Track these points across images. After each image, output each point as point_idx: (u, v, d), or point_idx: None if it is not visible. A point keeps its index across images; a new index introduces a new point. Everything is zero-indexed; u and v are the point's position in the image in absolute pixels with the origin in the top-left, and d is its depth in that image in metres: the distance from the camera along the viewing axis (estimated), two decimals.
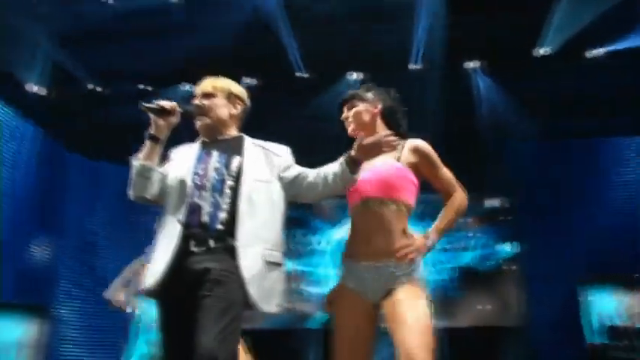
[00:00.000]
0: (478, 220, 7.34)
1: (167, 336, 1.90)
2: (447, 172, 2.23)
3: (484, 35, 5.63)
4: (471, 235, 7.28)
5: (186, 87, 6.08)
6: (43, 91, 6.04)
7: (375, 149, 2.00)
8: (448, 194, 2.20)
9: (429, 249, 2.11)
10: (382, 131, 2.20)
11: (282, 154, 2.18)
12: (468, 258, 7.15)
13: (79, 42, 5.50)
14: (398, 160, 2.19)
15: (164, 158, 2.15)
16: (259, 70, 6.16)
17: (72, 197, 6.51)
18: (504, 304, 6.93)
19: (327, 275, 6.97)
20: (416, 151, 2.19)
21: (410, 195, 2.17)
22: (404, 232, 2.11)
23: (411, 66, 6.05)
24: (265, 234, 1.98)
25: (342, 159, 2.04)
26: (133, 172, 2.02)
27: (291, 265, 7.11)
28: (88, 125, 6.32)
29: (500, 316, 6.88)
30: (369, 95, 2.31)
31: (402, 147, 2.23)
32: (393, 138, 2.02)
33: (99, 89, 6.34)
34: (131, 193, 2.04)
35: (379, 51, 5.64)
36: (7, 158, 5.96)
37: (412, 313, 1.94)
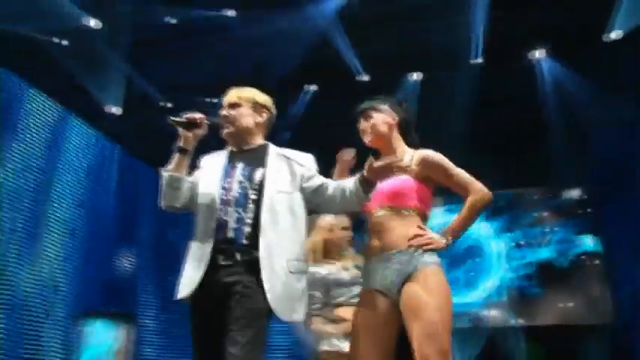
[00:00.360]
0: (555, 214, 7.05)
1: (199, 345, 1.98)
2: (460, 175, 2.24)
3: (547, 23, 5.42)
4: (547, 229, 7.01)
5: None
6: (119, 111, 6.44)
7: (386, 172, 2.04)
8: (466, 196, 2.23)
9: (445, 248, 2.12)
10: (397, 142, 2.30)
11: (305, 163, 2.21)
12: (545, 253, 6.88)
13: (148, 61, 5.82)
14: (406, 172, 2.23)
15: (194, 166, 2.24)
16: (319, 77, 6.25)
17: (151, 209, 6.86)
18: (588, 301, 6.58)
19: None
20: (424, 162, 2.24)
21: (419, 201, 2.20)
22: (419, 227, 2.15)
23: (473, 61, 5.91)
24: (287, 244, 2.02)
25: (356, 178, 2.08)
26: (163, 182, 2.10)
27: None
28: (162, 140, 6.63)
29: (584, 314, 6.54)
30: (386, 107, 2.35)
31: (412, 158, 2.27)
32: (401, 161, 2.09)
33: (169, 105, 6.67)
34: (162, 203, 2.13)
35: (437, 49, 5.56)
36: (90, 175, 6.41)
37: (424, 312, 1.95)
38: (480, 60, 5.85)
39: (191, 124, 2.09)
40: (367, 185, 2.04)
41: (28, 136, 5.93)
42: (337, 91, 6.09)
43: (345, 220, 3.03)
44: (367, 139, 2.36)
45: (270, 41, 5.60)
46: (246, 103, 2.24)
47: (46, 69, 5.69)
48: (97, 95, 6.22)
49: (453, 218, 2.20)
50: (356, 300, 2.34)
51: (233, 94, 2.26)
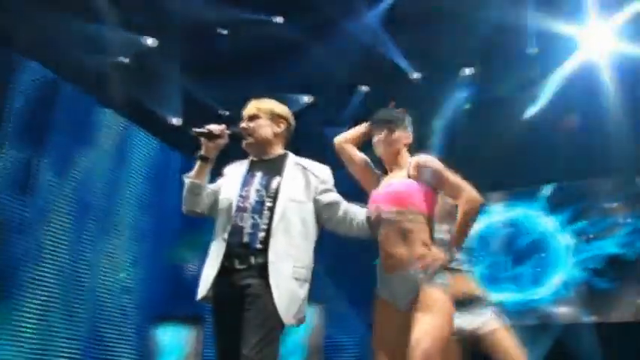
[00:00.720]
0: (626, 205, 6.73)
1: (219, 343, 2.11)
2: (451, 180, 2.29)
3: None
4: (618, 221, 6.70)
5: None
6: (179, 122, 6.72)
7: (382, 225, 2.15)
8: (455, 201, 2.31)
9: (449, 262, 2.20)
10: (405, 158, 2.37)
11: (321, 175, 2.29)
12: (616, 246, 6.58)
13: (205, 73, 6.05)
14: (408, 176, 2.31)
15: (219, 174, 2.36)
16: (372, 78, 6.27)
17: None
18: None
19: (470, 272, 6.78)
20: (417, 167, 2.30)
21: (423, 204, 2.24)
22: (424, 244, 2.17)
23: (529, 50, 5.76)
24: (296, 252, 2.12)
25: (365, 215, 2.21)
26: (185, 188, 2.23)
27: None
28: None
29: None
30: (405, 123, 2.41)
31: (409, 165, 2.35)
32: (399, 219, 2.15)
33: (227, 113, 6.89)
34: (183, 207, 2.27)
35: (488, 40, 5.46)
36: (156, 185, 6.73)
37: (416, 333, 2.02)
38: (535, 50, 5.69)
39: (212, 135, 2.20)
40: (372, 228, 2.17)
41: (97, 148, 6.33)
42: (390, 91, 6.09)
43: None
44: (382, 152, 2.41)
45: (321, 46, 5.69)
46: (264, 115, 2.33)
47: (113, 87, 6.05)
48: (158, 108, 6.51)
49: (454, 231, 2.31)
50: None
51: (252, 106, 2.36)
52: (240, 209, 2.15)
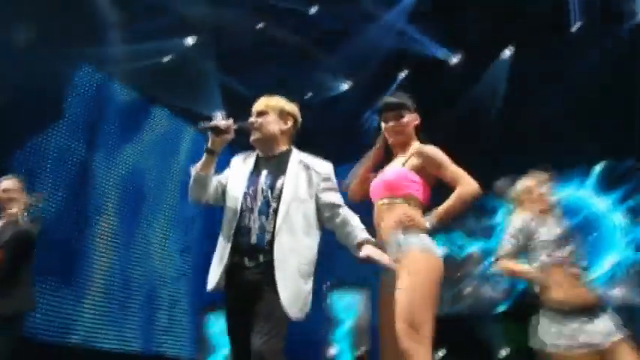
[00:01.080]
0: None
1: (230, 332, 2.25)
2: (452, 169, 2.35)
3: None
4: None
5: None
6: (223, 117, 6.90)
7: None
8: (455, 186, 2.35)
9: (429, 228, 2.26)
10: (414, 141, 2.43)
11: (323, 172, 2.34)
12: None
13: (242, 66, 6.21)
14: (404, 164, 2.39)
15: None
16: (410, 64, 6.28)
17: None
18: None
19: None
20: (420, 155, 2.37)
21: (413, 190, 2.34)
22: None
23: (573, 28, 5.61)
24: (299, 249, 2.21)
25: (358, 238, 2.21)
26: (191, 179, 2.31)
27: (473, 248, 7.05)
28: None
29: None
30: (412, 105, 2.44)
31: (411, 153, 2.41)
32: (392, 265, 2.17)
33: None
34: (189, 197, 2.37)
35: (532, 16, 5.35)
36: None
37: (398, 293, 2.13)
38: (578, 25, 5.53)
39: (219, 130, 2.24)
40: (356, 256, 2.22)
41: (147, 142, 6.66)
42: (428, 75, 6.09)
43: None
44: (396, 139, 2.46)
45: (357, 33, 5.73)
46: (272, 111, 2.37)
47: (160, 84, 6.32)
48: (200, 103, 6.72)
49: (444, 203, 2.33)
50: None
51: (261, 103, 2.40)
52: (248, 209, 2.24)
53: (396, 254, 2.21)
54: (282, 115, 2.39)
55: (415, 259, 2.18)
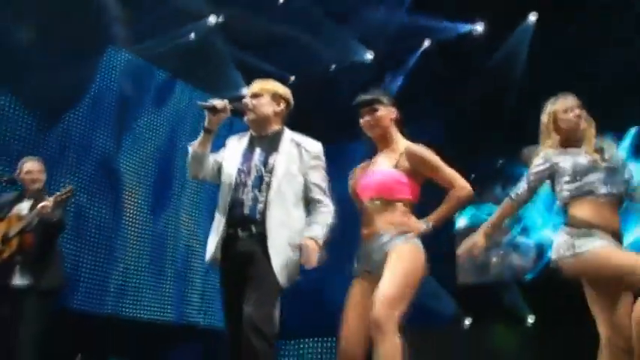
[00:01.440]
0: None
1: (225, 299, 2.41)
2: (446, 171, 2.41)
3: None
4: None
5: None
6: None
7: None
8: (448, 187, 2.42)
9: (422, 232, 2.34)
10: (396, 136, 2.46)
11: (312, 150, 2.47)
12: None
13: (266, 44, 6.31)
14: (395, 166, 2.42)
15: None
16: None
17: None
18: None
19: (536, 223, 6.69)
20: (412, 157, 2.40)
21: (404, 192, 2.38)
22: (404, 214, 2.34)
23: None
24: (290, 221, 2.35)
25: (312, 233, 2.37)
26: (189, 156, 2.45)
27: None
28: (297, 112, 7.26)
29: None
30: (387, 100, 2.46)
31: (400, 153, 2.44)
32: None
33: (292, 78, 7.17)
34: (188, 173, 2.52)
35: None
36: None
37: (390, 268, 2.20)
38: None
39: (216, 110, 2.37)
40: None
41: (175, 122, 6.85)
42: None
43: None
44: (372, 133, 2.49)
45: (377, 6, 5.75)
46: (266, 94, 2.49)
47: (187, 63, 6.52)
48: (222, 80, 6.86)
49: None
50: None
51: (256, 85, 2.54)
52: (241, 184, 2.38)
53: (384, 249, 2.29)
54: (276, 97, 2.51)
55: (406, 249, 2.26)
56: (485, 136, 6.54)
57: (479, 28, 6.24)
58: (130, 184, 6.43)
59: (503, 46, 6.18)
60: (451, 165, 2.49)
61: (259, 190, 2.36)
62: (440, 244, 6.95)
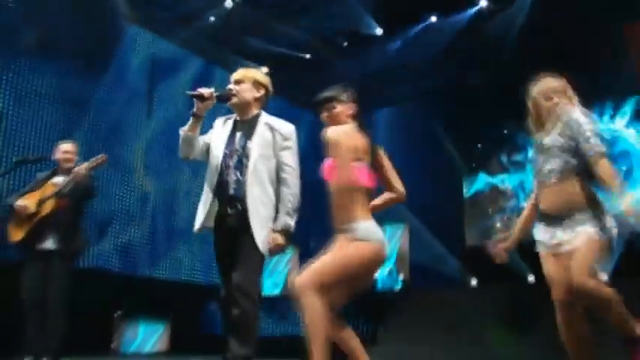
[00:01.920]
0: None
1: (219, 267, 2.69)
2: (392, 170, 2.51)
3: None
4: None
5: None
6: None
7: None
8: (388, 187, 2.53)
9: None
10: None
11: (285, 133, 2.71)
12: None
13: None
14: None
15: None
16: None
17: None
18: None
19: None
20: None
21: (356, 179, 2.33)
22: (359, 207, 2.31)
23: None
24: (267, 197, 2.63)
25: (279, 223, 2.62)
26: (180, 139, 2.70)
27: (504, 182, 7.46)
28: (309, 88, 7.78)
29: None
30: (345, 97, 2.52)
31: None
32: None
33: (308, 56, 7.58)
34: (180, 154, 2.76)
35: None
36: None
37: (332, 252, 2.27)
38: None
39: (203, 97, 2.62)
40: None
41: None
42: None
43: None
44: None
45: None
46: (248, 81, 2.75)
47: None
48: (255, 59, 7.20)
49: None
50: None
51: (239, 73, 2.78)
52: (226, 166, 2.66)
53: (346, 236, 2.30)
54: (256, 84, 2.77)
55: (351, 243, 2.26)
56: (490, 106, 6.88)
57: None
58: (160, 159, 6.97)
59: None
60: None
61: (240, 172, 2.63)
62: (447, 212, 7.45)
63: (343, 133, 2.33)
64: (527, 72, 2.66)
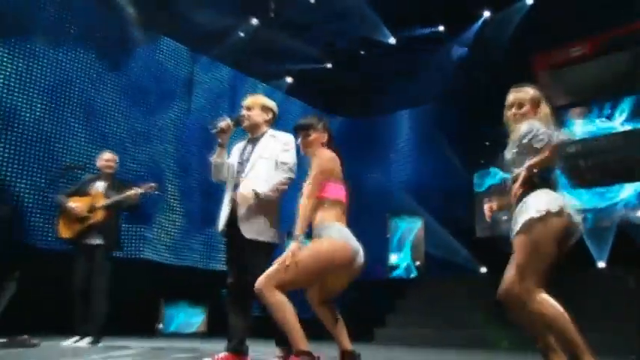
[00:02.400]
0: None
1: (227, 257, 3.13)
2: (314, 178, 2.65)
3: None
4: None
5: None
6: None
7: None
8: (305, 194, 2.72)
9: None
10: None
11: (283, 140, 3.12)
12: None
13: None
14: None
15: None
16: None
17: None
18: None
19: None
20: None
21: (319, 192, 2.62)
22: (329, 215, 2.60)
23: None
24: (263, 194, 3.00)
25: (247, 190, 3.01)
26: (212, 166, 3.14)
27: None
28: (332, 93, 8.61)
29: None
30: (321, 126, 2.77)
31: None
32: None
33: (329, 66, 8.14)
34: (212, 178, 3.20)
35: None
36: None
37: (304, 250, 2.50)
38: None
39: (223, 130, 3.08)
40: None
41: (229, 103, 7.88)
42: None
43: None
44: (305, 153, 2.81)
45: None
46: (257, 107, 3.22)
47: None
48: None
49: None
50: None
51: (249, 100, 3.25)
52: (239, 173, 3.12)
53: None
54: (264, 109, 3.25)
55: (318, 240, 2.54)
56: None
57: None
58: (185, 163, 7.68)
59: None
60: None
61: (246, 175, 3.08)
62: (457, 208, 7.94)
63: (333, 158, 2.67)
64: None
